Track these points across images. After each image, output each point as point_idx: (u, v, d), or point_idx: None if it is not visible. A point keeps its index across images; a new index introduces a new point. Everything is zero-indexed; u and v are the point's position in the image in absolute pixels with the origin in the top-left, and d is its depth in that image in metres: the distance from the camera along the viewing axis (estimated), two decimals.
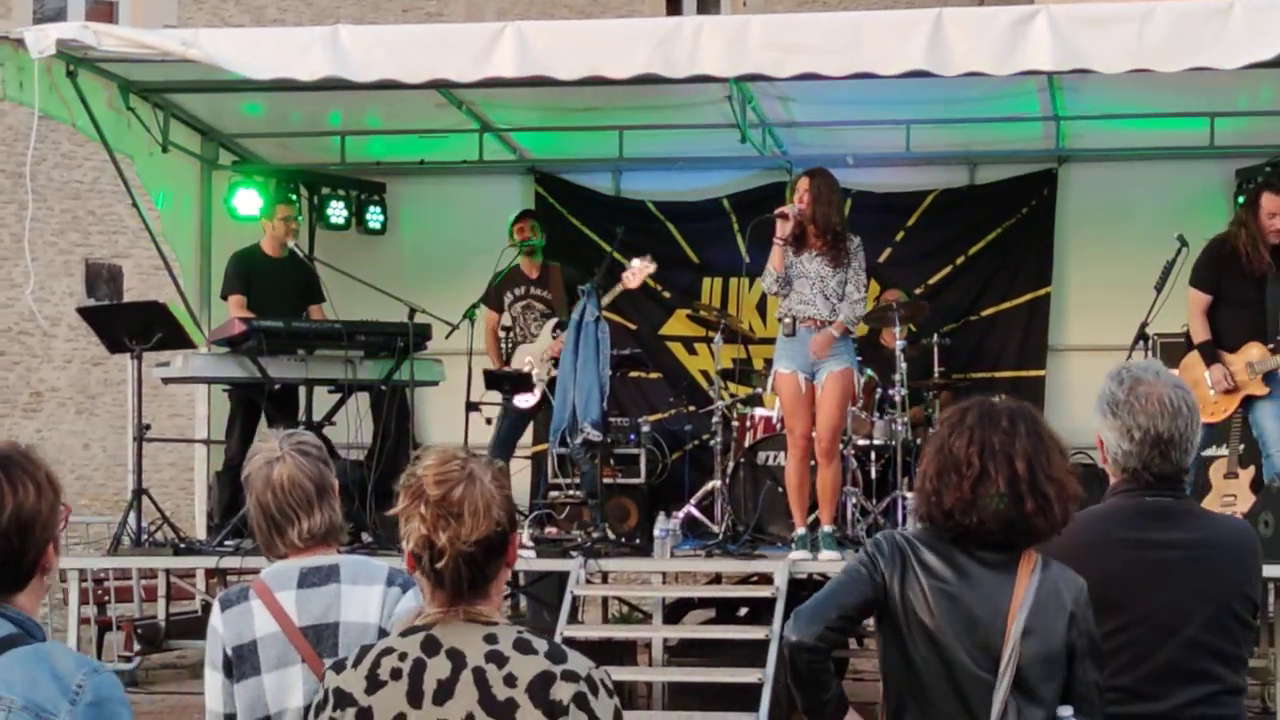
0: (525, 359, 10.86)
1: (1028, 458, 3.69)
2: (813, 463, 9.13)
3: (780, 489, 10.01)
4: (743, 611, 9.95)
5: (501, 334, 11.24)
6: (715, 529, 10.05)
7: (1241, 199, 11.48)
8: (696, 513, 10.38)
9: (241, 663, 3.91)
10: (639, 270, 10.37)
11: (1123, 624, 3.77)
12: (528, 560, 9.39)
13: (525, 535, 9.63)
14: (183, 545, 9.91)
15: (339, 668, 3.09)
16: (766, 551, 9.59)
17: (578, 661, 3.04)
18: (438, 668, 3.00)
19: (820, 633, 3.75)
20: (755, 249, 12.25)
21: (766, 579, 9.13)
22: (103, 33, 9.40)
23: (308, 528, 3.99)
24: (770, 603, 8.69)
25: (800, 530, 9.16)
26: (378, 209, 12.56)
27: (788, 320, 9.12)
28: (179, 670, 12.00)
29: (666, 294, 12.38)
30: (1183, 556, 3.82)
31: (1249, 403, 9.30)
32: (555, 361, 10.55)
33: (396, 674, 3.01)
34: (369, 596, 3.93)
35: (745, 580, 10.06)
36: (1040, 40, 8.36)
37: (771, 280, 9.13)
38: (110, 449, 18.07)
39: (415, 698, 2.99)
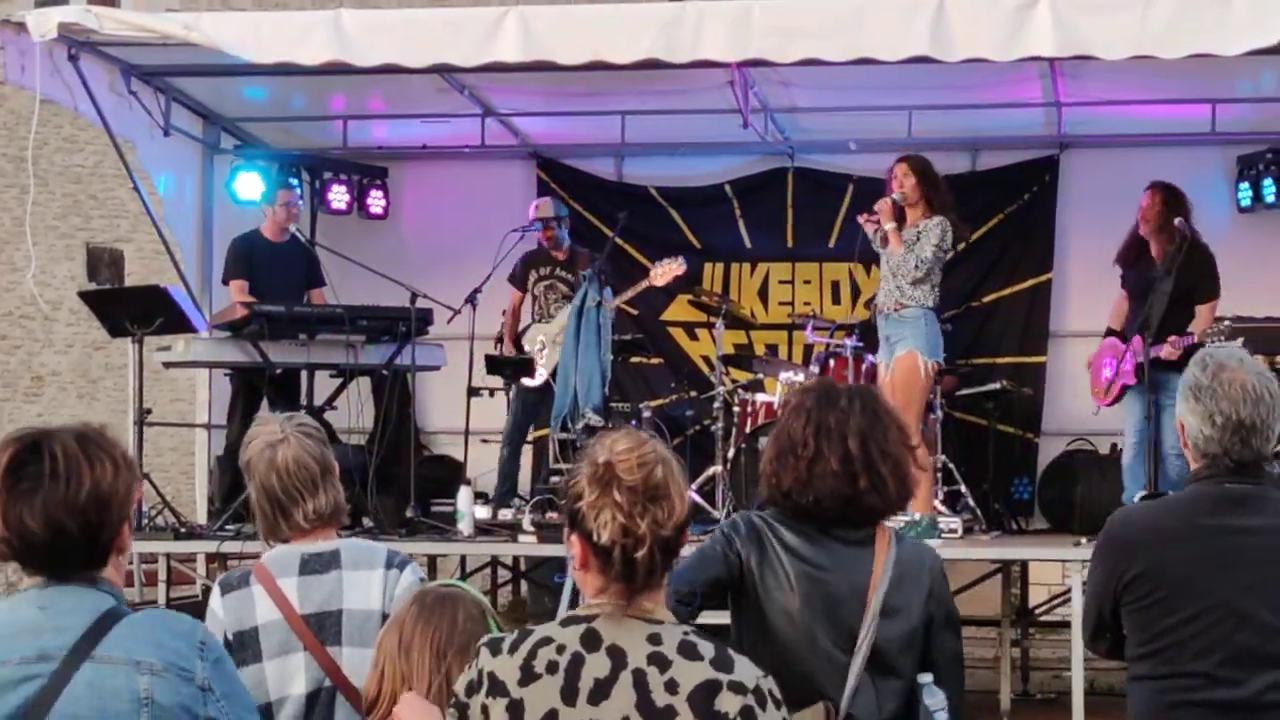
0: (538, 338, 10.89)
1: (861, 435, 3.81)
2: None
3: None
4: None
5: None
6: (716, 514, 10.06)
7: (1245, 185, 11.54)
8: (697, 498, 10.37)
9: (242, 649, 3.89)
10: (667, 270, 10.44)
11: (1202, 609, 3.82)
12: (530, 545, 9.41)
13: (527, 521, 9.64)
14: (183, 530, 9.91)
15: (495, 649, 2.92)
16: None
17: (745, 670, 2.88)
18: (596, 665, 2.84)
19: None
20: (757, 234, 12.33)
21: None
22: (105, 16, 9.40)
23: (314, 508, 3.99)
24: None
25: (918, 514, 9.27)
26: (379, 193, 12.57)
27: (875, 307, 9.59)
28: None
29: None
30: (1262, 543, 3.86)
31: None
32: None
33: (553, 668, 2.85)
34: (370, 582, 3.93)
35: None
36: (1042, 26, 8.35)
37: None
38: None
39: (570, 695, 2.83)
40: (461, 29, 9.05)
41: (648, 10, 8.95)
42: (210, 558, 10.11)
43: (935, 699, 3.78)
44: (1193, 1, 8.39)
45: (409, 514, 9.71)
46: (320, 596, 3.92)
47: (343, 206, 12.38)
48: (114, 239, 18.37)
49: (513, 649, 2.90)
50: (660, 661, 2.84)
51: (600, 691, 2.83)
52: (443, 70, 9.98)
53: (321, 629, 3.90)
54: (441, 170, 12.70)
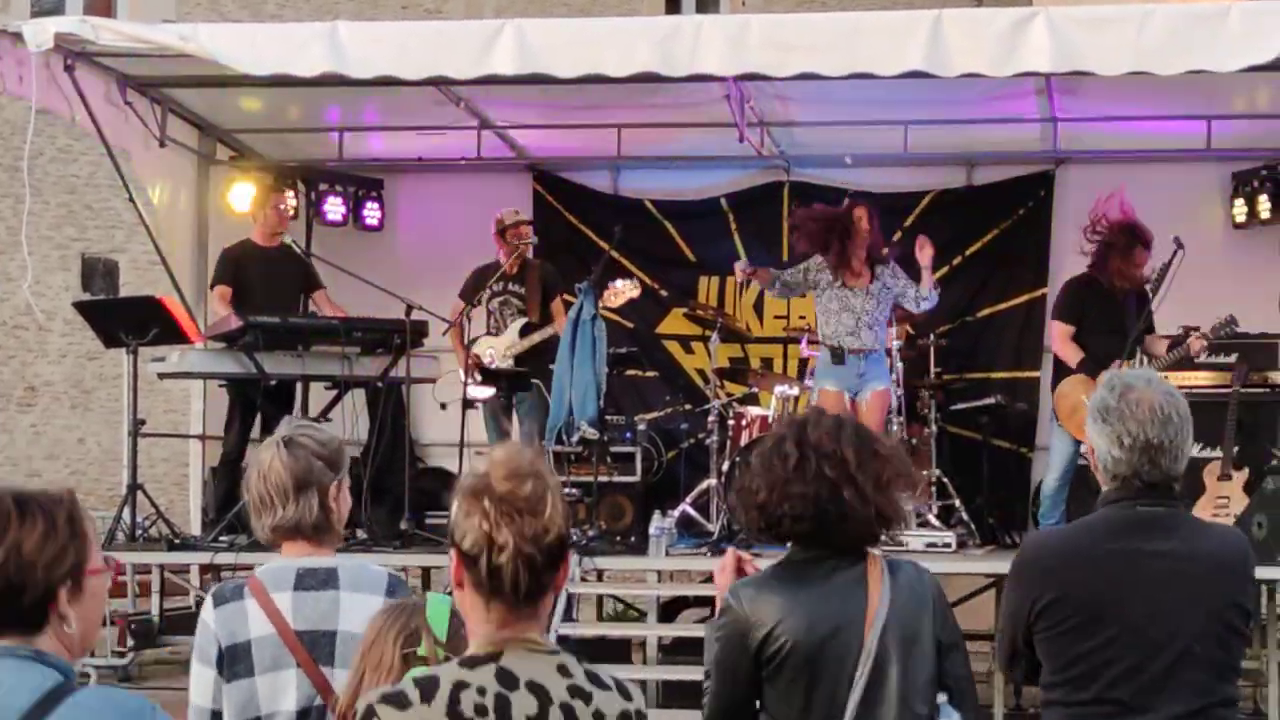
0: (486, 350, 10.84)
1: (861, 465, 3.75)
2: None
3: None
4: None
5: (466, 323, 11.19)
6: (710, 527, 10.06)
7: (1240, 201, 11.55)
8: (692, 511, 10.38)
9: (235, 662, 3.87)
10: (621, 291, 10.43)
11: (1115, 635, 3.76)
12: None
13: None
14: (177, 541, 9.91)
15: (400, 702, 2.85)
16: (761, 550, 9.59)
17: (637, 696, 3.01)
18: (523, 703, 2.85)
19: None
20: (752, 248, 12.33)
21: None
22: (101, 27, 9.41)
23: (278, 518, 3.98)
24: None
25: None
26: (375, 205, 12.57)
27: (836, 348, 9.94)
28: (172, 666, 11.98)
29: (663, 293, 12.38)
30: (1175, 567, 3.80)
31: None
32: (516, 359, 10.60)
33: (481, 710, 2.82)
34: (369, 607, 3.89)
35: None
36: (1039, 42, 8.37)
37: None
38: (105, 444, 18.05)
39: None
40: (458, 42, 9.07)
41: (645, 23, 8.99)
42: (204, 569, 10.09)
43: (951, 719, 3.77)
44: (1189, 18, 8.41)
45: (403, 526, 9.71)
46: (315, 614, 3.90)
47: (338, 218, 12.37)
48: (109, 249, 18.35)
49: (426, 697, 2.85)
50: (581, 694, 2.90)
51: None
52: (439, 83, 9.98)
53: (315, 647, 3.87)
54: (437, 182, 12.70)
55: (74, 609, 2.92)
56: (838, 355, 9.90)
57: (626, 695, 2.98)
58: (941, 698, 3.77)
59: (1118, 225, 9.88)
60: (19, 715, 2.80)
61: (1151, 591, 3.78)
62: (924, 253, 9.97)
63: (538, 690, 2.87)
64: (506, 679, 2.86)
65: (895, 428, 10.21)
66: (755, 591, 3.80)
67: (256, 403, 10.15)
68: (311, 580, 3.93)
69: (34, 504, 2.91)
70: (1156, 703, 3.74)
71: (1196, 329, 9.80)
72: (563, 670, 2.91)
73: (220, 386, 10.89)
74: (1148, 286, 9.87)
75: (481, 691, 2.84)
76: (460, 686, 2.85)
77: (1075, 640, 3.79)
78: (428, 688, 2.86)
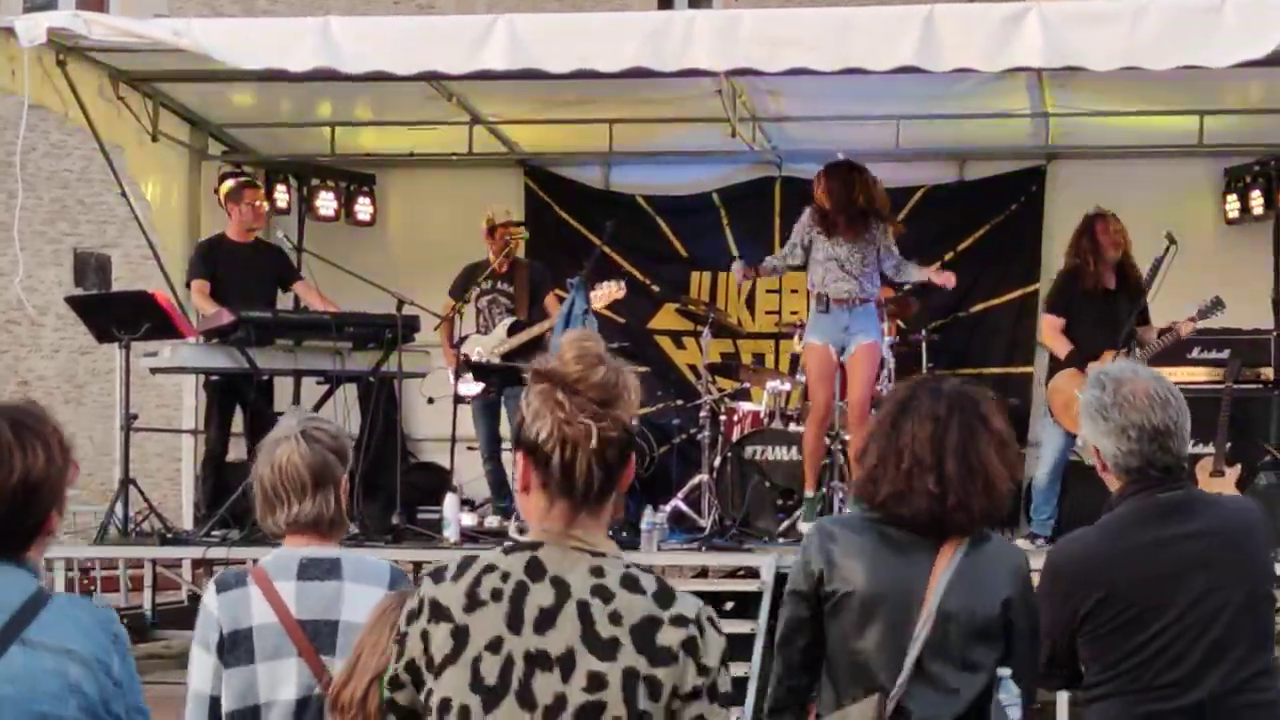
0: (475, 349, 10.82)
1: (958, 453, 3.72)
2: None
3: (767, 484, 10.03)
4: (729, 605, 9.95)
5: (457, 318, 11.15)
6: (702, 522, 10.06)
7: (1233, 197, 11.55)
8: (684, 506, 10.38)
9: (235, 649, 3.88)
10: (606, 294, 10.42)
11: (1167, 622, 3.81)
12: None
13: (512, 528, 9.64)
14: (169, 536, 9.90)
15: (438, 576, 2.89)
16: (753, 545, 9.62)
17: (686, 603, 2.89)
18: (540, 594, 2.82)
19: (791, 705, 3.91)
20: (744, 243, 12.33)
21: (753, 573, 9.13)
22: (94, 21, 9.41)
23: (294, 513, 3.98)
24: (757, 597, 8.71)
25: (810, 492, 9.61)
26: (367, 200, 12.56)
27: (822, 297, 9.68)
28: (165, 660, 11.98)
29: (655, 288, 12.38)
30: (1205, 547, 3.86)
31: None
32: (504, 357, 10.58)
33: (497, 595, 2.82)
34: (372, 598, 3.91)
35: (732, 574, 10.05)
36: (1031, 37, 8.37)
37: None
38: (98, 439, 18.04)
39: (515, 623, 2.81)
40: (449, 37, 9.07)
41: (636, 18, 8.99)
42: (196, 563, 10.10)
43: (1010, 694, 3.70)
44: (1181, 13, 8.41)
45: (395, 521, 9.71)
46: (318, 604, 3.91)
47: (330, 213, 12.37)
48: (101, 244, 18.34)
49: (456, 576, 2.87)
50: (604, 594, 2.83)
51: (545, 621, 2.81)
52: (430, 78, 9.98)
53: (317, 636, 3.89)
54: (429, 177, 12.70)
55: (58, 522, 3.16)
56: (822, 302, 9.69)
57: (665, 602, 2.86)
58: (1005, 671, 3.71)
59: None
60: (11, 613, 3.04)
61: (1189, 576, 3.83)
62: (944, 277, 9.82)
63: (559, 584, 2.83)
64: (534, 568, 2.84)
65: (888, 385, 10.18)
66: (835, 528, 3.86)
67: (249, 398, 10.14)
68: (315, 570, 3.95)
69: (29, 431, 3.08)
70: (1205, 680, 3.80)
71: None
72: (596, 570, 2.85)
73: (213, 380, 10.87)
74: (1143, 279, 9.86)
75: (505, 577, 2.84)
76: (488, 569, 2.86)
77: (1125, 636, 3.83)
78: (464, 565, 2.89)
